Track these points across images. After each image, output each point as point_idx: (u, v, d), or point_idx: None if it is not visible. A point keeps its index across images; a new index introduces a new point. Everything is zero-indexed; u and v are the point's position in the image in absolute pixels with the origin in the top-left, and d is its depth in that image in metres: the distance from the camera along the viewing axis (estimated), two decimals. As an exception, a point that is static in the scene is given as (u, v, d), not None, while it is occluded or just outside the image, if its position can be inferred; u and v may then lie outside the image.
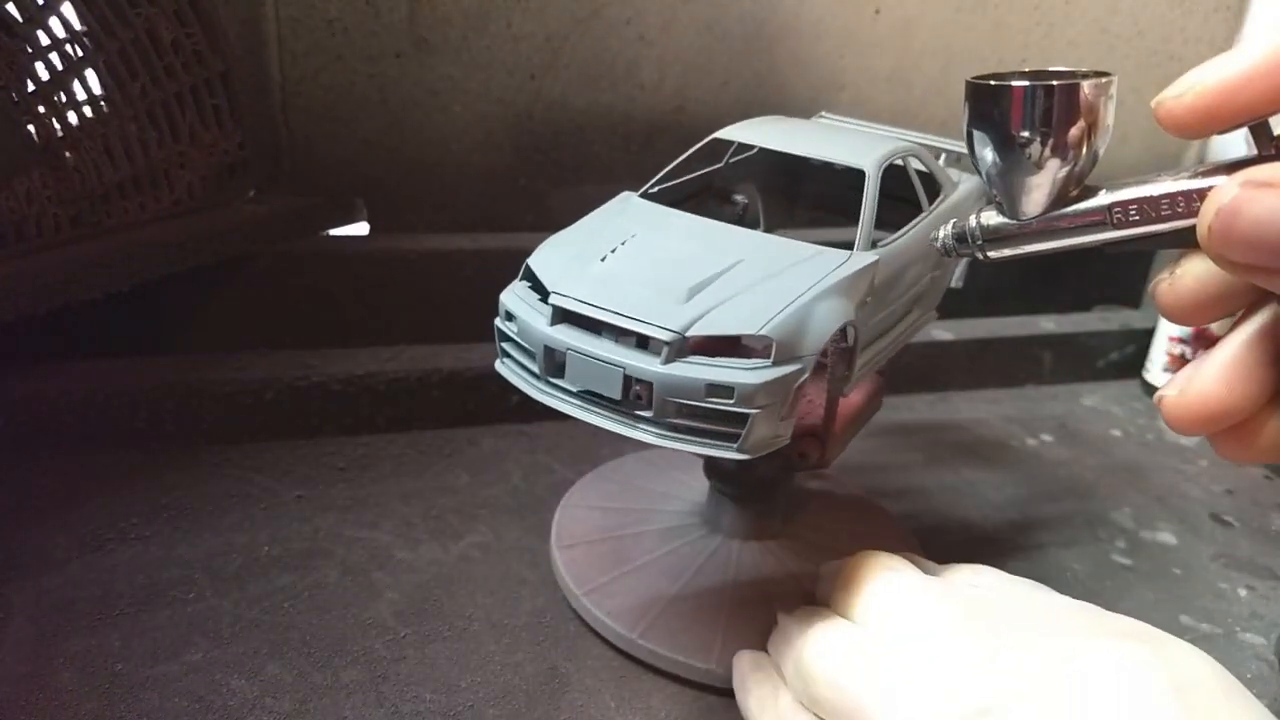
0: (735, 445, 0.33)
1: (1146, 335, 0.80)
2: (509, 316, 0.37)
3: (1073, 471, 0.66)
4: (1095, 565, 0.55)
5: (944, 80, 0.90)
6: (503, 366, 0.38)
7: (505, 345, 0.38)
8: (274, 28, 0.68)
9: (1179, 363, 0.76)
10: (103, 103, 0.58)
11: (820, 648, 0.32)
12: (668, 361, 0.33)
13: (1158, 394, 0.28)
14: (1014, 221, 0.30)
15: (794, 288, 0.35)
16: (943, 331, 0.77)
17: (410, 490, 0.56)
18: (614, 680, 0.43)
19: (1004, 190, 0.29)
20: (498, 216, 0.79)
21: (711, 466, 0.48)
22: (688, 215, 0.41)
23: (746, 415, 0.33)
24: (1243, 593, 0.54)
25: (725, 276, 0.36)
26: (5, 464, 0.53)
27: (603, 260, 0.37)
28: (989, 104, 0.28)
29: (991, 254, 0.31)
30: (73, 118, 0.56)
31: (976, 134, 0.28)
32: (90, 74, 0.57)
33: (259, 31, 0.68)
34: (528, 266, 0.38)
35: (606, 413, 0.35)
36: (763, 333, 0.33)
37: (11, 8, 0.53)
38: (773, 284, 0.35)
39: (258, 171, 0.68)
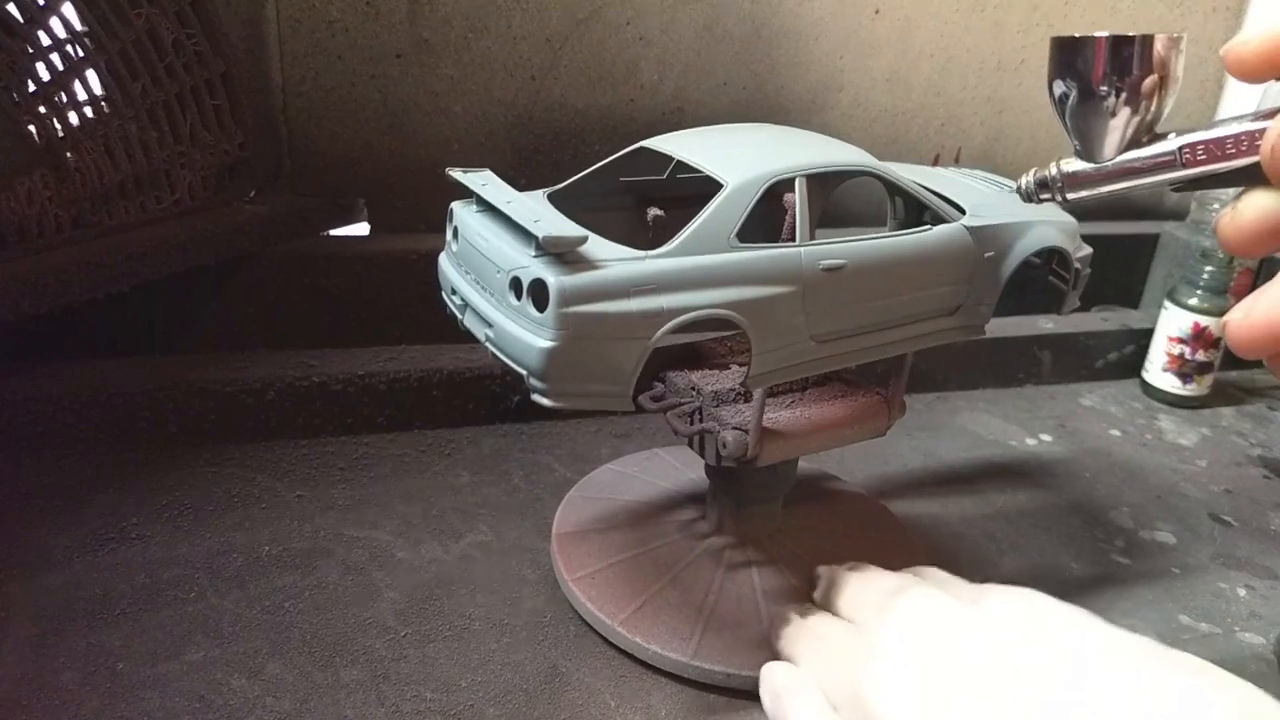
0: None
1: (1145, 335, 0.80)
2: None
3: (1071, 471, 0.66)
4: (1094, 564, 0.55)
5: (942, 81, 0.90)
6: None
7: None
8: (275, 29, 0.69)
9: (1178, 363, 0.76)
10: (104, 103, 0.58)
11: (878, 676, 0.32)
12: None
13: (1224, 318, 0.30)
14: (1092, 165, 0.32)
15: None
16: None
17: (411, 490, 0.56)
18: (614, 679, 0.43)
19: (1083, 136, 0.32)
20: (498, 217, 0.79)
21: (713, 465, 0.48)
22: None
23: None
24: (1242, 592, 0.54)
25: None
26: (6, 463, 0.53)
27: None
28: (1073, 55, 0.31)
29: (1070, 196, 0.34)
30: (74, 118, 0.57)
31: (1059, 84, 0.31)
32: (91, 74, 0.57)
33: (260, 32, 0.68)
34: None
35: None
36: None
37: (12, 8, 0.53)
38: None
39: (258, 172, 0.68)
